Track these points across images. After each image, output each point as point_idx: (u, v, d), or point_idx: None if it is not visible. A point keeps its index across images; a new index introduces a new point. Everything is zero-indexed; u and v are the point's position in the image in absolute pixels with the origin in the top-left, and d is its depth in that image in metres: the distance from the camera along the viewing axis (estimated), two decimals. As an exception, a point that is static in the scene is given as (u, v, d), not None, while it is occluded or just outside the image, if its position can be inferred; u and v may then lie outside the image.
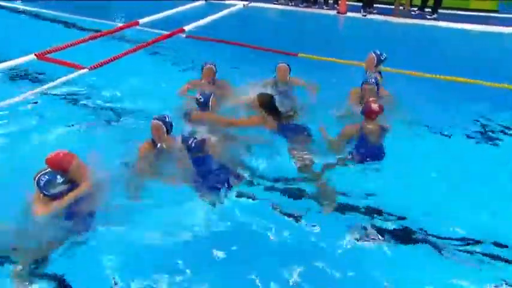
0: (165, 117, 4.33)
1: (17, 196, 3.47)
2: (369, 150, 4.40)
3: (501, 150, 4.91)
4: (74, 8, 10.51)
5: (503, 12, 10.73)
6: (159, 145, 4.25)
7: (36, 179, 3.22)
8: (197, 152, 4.13)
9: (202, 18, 9.47)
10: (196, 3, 11.48)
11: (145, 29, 8.98)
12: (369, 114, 4.34)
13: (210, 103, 4.97)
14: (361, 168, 4.34)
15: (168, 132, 4.31)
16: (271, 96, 4.99)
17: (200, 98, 5.00)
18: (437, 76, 6.72)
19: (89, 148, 4.51)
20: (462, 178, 4.24)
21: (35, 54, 6.95)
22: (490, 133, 5.31)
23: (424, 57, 7.75)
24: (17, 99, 5.61)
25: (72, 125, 5.27)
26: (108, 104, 5.97)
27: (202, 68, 5.79)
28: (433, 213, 3.79)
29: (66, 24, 9.58)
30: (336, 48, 8.01)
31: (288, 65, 5.82)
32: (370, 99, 4.46)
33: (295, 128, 4.94)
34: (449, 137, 5.06)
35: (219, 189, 3.98)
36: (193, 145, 4.06)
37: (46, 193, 3.24)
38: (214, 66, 5.76)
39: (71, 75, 6.21)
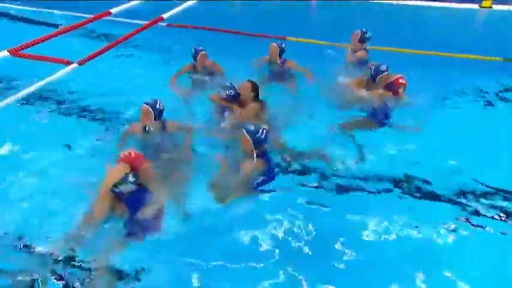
0: (155, 103, 4.37)
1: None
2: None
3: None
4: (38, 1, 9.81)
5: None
6: (147, 128, 4.35)
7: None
8: (265, 144, 3.90)
9: (180, 4, 9.19)
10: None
11: (119, 19, 8.58)
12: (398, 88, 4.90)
13: (241, 91, 5.02)
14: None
15: (156, 117, 4.37)
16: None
17: (230, 92, 5.00)
18: (418, 51, 7.10)
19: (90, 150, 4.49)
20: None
21: (8, 51, 6.45)
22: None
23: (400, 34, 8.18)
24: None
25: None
26: (99, 102, 5.79)
27: (194, 54, 5.90)
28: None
29: (29, 19, 8.98)
30: (322, 32, 8.17)
31: (279, 45, 5.97)
32: (398, 76, 4.80)
33: None
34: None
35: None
36: (263, 136, 3.80)
37: (115, 189, 3.18)
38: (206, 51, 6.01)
39: (61, 72, 5.84)
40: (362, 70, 5.91)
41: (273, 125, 4.70)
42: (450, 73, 6.56)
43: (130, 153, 3.48)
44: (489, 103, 5.88)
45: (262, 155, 3.90)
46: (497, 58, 6.89)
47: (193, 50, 6.01)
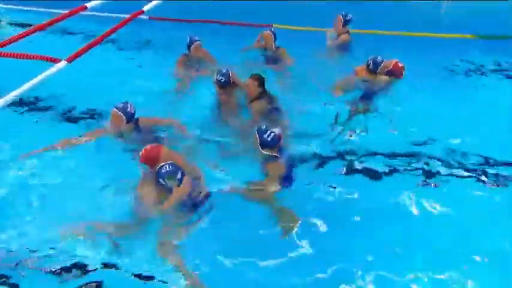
0: (126, 106, 4.38)
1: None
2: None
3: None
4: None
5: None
6: (120, 132, 4.53)
7: (157, 168, 3.16)
8: (274, 147, 3.83)
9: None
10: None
11: (96, 13, 8.26)
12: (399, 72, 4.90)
13: (231, 78, 5.01)
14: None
15: (128, 120, 4.49)
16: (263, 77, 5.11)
17: (221, 79, 4.97)
18: (399, 33, 7.40)
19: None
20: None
21: (-15, 51, 6.06)
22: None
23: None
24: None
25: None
26: (88, 101, 5.64)
27: (188, 44, 5.95)
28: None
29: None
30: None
31: (274, 32, 6.16)
32: (393, 60, 4.98)
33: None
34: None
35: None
36: (269, 139, 3.75)
37: (162, 182, 3.16)
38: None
39: (50, 70, 5.55)
40: (345, 53, 6.16)
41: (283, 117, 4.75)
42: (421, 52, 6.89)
43: (145, 151, 3.67)
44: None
45: (276, 156, 3.80)
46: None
47: (187, 39, 6.04)
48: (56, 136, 4.92)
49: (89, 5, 8.44)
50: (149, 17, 7.83)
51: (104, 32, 6.90)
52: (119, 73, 6.46)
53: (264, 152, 3.77)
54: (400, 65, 5.49)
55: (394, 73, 5.46)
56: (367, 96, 5.65)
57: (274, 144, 3.82)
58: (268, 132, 3.81)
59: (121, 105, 4.51)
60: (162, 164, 3.59)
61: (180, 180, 3.55)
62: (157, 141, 4.54)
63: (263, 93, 5.12)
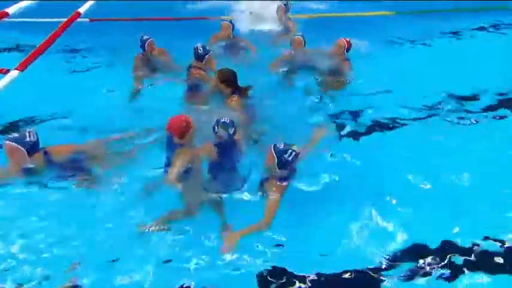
0: (23, 136, 3.60)
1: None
2: None
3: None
4: None
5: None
6: (26, 168, 3.58)
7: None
8: (291, 167, 3.57)
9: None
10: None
11: (20, 19, 7.34)
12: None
13: (207, 58, 5.03)
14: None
15: (31, 153, 3.57)
16: (233, 72, 4.87)
17: (200, 50, 4.96)
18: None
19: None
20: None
21: None
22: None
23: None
24: None
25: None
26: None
27: (141, 44, 5.67)
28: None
29: None
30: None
31: (231, 22, 6.55)
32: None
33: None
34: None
35: None
36: (290, 158, 3.47)
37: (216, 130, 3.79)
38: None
39: (2, 81, 4.79)
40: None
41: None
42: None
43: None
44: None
45: (287, 177, 3.59)
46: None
47: (140, 39, 5.72)
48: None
49: (10, 10, 7.50)
50: (90, 19, 7.20)
51: (45, 38, 6.16)
52: (68, 81, 5.82)
53: (279, 172, 3.54)
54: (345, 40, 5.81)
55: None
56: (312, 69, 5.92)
57: (294, 164, 3.62)
58: (289, 151, 3.48)
59: (16, 135, 3.62)
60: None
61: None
62: (84, 170, 3.89)
63: (236, 89, 4.86)
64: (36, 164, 3.61)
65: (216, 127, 3.82)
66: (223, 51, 6.41)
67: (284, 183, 3.56)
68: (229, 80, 4.76)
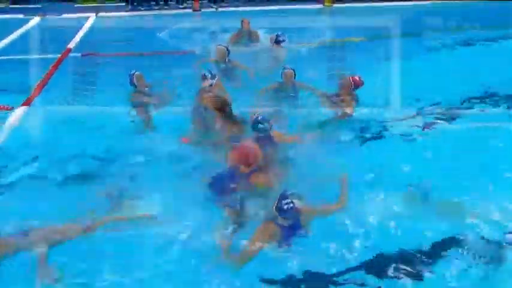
0: None
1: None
2: None
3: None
4: None
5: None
6: None
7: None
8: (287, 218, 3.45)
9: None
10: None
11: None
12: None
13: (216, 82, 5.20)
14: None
15: None
16: (227, 102, 4.82)
17: (208, 75, 5.05)
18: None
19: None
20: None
21: None
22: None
23: None
24: None
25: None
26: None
27: (130, 81, 5.60)
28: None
29: None
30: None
31: (227, 47, 6.64)
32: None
33: None
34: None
35: None
36: (285, 208, 3.37)
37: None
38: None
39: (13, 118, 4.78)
40: None
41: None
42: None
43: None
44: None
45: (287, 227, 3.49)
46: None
47: (128, 76, 5.68)
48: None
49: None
50: (82, 54, 7.28)
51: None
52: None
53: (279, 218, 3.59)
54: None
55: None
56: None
57: (288, 216, 3.65)
58: (288, 201, 3.43)
59: None
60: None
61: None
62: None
63: (229, 118, 4.91)
64: None
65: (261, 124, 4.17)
66: (221, 75, 6.26)
67: (277, 229, 3.45)
68: (222, 108, 4.78)
